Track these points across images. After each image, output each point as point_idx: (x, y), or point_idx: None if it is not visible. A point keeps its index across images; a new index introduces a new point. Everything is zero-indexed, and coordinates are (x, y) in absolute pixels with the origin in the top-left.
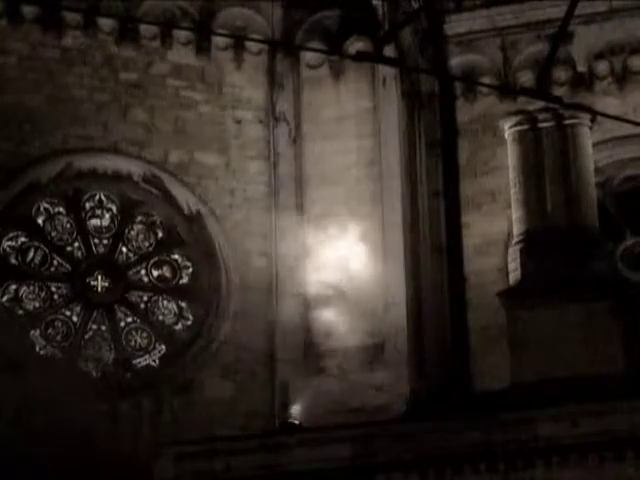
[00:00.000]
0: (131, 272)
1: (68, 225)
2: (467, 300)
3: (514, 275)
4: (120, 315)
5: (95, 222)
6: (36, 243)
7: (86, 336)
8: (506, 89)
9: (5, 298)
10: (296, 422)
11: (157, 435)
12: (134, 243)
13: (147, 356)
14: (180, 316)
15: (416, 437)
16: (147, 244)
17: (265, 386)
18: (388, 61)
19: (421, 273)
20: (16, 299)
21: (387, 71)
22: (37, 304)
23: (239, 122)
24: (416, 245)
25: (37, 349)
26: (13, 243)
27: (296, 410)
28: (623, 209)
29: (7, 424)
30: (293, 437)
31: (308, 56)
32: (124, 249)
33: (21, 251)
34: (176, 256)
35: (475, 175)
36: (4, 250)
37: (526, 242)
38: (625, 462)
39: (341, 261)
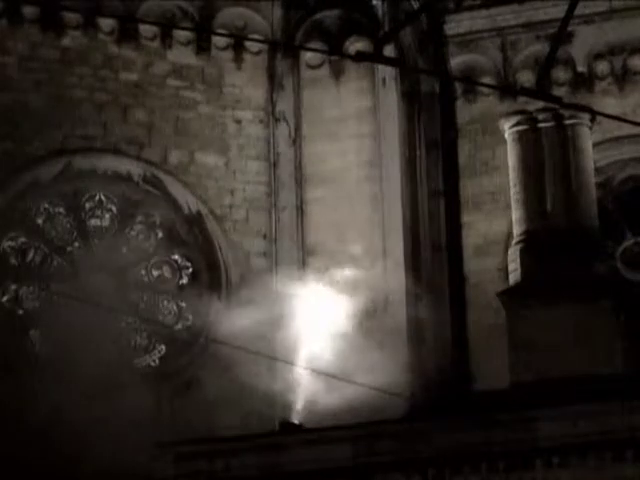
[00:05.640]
0: (131, 272)
1: (68, 225)
2: (467, 300)
3: (514, 275)
4: (120, 315)
5: (95, 222)
6: (36, 243)
7: (86, 336)
8: (506, 89)
9: (5, 298)
10: (296, 422)
11: (157, 435)
12: (134, 243)
13: (147, 356)
14: (180, 316)
15: (416, 437)
16: (147, 244)
17: (265, 386)
18: (388, 61)
19: (421, 273)
20: (16, 299)
21: (387, 71)
22: (37, 304)
23: (239, 122)
24: (416, 245)
25: (37, 349)
26: (13, 243)
27: (296, 410)
28: (623, 209)
29: (6, 424)
30: (293, 437)
31: (308, 56)
32: (124, 249)
33: (21, 251)
34: (176, 256)
35: (475, 175)
36: (4, 250)
37: (526, 242)
38: (624, 462)
39: (341, 261)
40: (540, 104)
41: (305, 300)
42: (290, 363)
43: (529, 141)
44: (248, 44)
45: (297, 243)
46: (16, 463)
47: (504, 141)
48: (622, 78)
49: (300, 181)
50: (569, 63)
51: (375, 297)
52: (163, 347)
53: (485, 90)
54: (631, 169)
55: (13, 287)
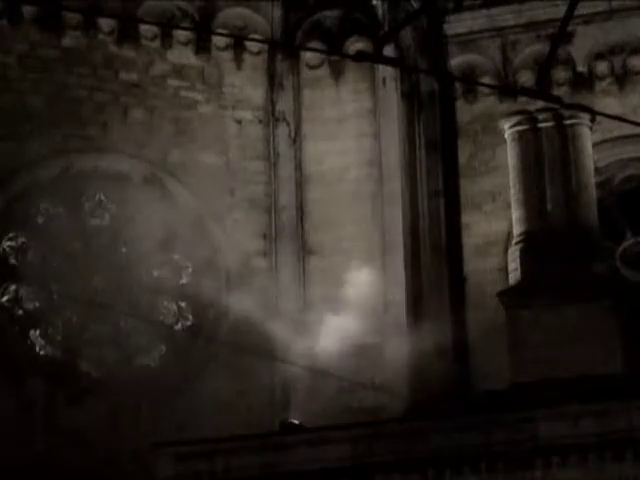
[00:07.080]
0: (131, 272)
1: (68, 225)
2: (467, 300)
3: (514, 275)
4: (120, 315)
5: (95, 222)
6: (36, 243)
7: (86, 336)
8: (506, 89)
9: (5, 298)
10: (296, 422)
11: (157, 435)
12: (134, 243)
13: (147, 356)
14: (180, 316)
15: (416, 437)
16: (147, 244)
17: (265, 386)
18: (388, 61)
19: (421, 273)
20: (16, 299)
21: (387, 71)
22: (37, 304)
23: (239, 122)
24: (416, 245)
25: (37, 349)
26: (13, 243)
27: (296, 410)
28: (623, 209)
29: (7, 424)
30: (293, 437)
31: (308, 56)
32: (124, 249)
33: (21, 251)
34: (176, 256)
35: (475, 175)
36: (4, 250)
37: (526, 242)
38: (625, 462)
39: (341, 261)
40: (540, 104)
41: (305, 300)
42: (290, 363)
43: (529, 141)
44: (248, 44)
45: (297, 243)
46: (15, 463)
47: (504, 141)
48: (622, 78)
49: (300, 181)
50: (569, 63)
51: (375, 297)
52: (163, 347)
53: (485, 90)
54: (631, 169)
55: (13, 287)
